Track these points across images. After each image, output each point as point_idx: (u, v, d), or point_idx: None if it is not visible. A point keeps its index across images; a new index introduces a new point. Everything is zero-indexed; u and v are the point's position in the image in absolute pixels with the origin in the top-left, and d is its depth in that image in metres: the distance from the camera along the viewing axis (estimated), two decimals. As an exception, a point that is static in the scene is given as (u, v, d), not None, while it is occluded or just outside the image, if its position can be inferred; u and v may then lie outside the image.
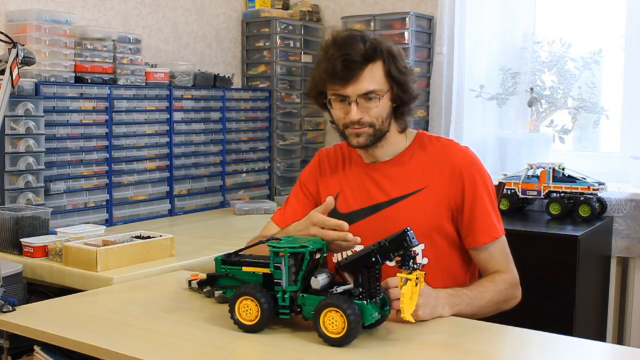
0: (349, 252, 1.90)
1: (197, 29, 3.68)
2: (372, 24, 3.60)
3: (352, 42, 1.81)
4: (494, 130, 3.47)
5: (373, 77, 1.81)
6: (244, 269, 1.64)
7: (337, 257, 1.94)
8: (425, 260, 1.86)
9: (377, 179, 1.94)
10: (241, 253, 1.72)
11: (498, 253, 1.89)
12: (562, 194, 2.99)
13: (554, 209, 2.98)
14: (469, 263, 1.94)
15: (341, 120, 1.88)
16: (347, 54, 1.79)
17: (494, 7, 3.41)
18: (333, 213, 1.92)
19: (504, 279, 1.86)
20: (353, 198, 1.95)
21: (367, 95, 1.81)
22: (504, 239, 1.91)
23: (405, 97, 1.88)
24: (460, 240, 1.91)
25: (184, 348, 1.49)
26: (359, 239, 1.65)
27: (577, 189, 2.96)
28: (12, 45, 1.89)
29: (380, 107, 1.84)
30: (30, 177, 2.67)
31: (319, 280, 1.52)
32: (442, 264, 1.88)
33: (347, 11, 3.88)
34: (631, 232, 3.04)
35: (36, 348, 1.69)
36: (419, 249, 1.84)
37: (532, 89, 3.35)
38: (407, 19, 3.50)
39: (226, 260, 1.68)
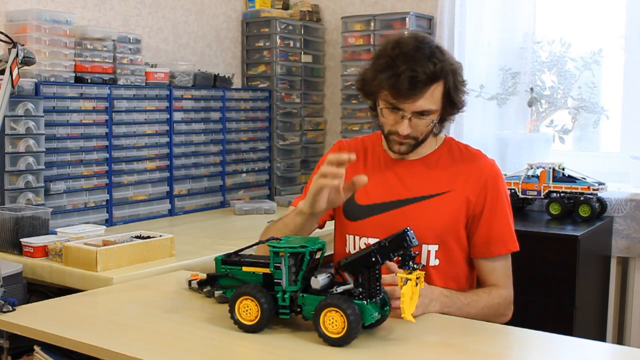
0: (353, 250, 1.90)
1: (197, 29, 3.68)
2: (372, 24, 3.60)
3: (420, 57, 1.78)
4: (494, 130, 3.46)
5: (432, 98, 1.81)
6: (244, 269, 1.64)
7: (349, 249, 1.96)
8: (437, 262, 1.87)
9: (401, 175, 1.94)
10: (241, 253, 1.72)
11: (502, 268, 1.91)
12: (562, 194, 2.99)
13: (554, 209, 2.98)
14: (472, 272, 1.96)
15: (387, 126, 1.88)
16: (415, 72, 1.76)
17: (494, 7, 3.41)
18: (351, 203, 1.93)
19: (500, 294, 1.88)
20: (374, 191, 1.94)
21: (421, 113, 1.82)
22: (510, 257, 1.93)
23: (454, 112, 1.90)
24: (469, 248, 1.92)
25: (184, 348, 1.49)
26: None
27: (577, 189, 2.96)
28: (12, 45, 1.89)
29: (430, 124, 1.85)
30: (30, 177, 2.67)
31: (319, 280, 1.52)
32: (450, 268, 1.89)
33: (347, 11, 3.88)
34: (631, 232, 3.03)
35: (36, 348, 1.69)
36: (432, 249, 1.85)
37: (532, 89, 3.35)
38: (407, 19, 3.50)
39: (226, 260, 1.68)
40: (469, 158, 1.95)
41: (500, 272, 1.90)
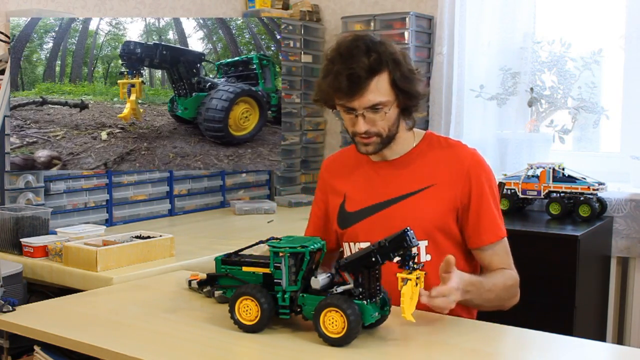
0: None
1: (197, 29, 3.68)
2: (372, 24, 3.60)
3: (356, 53, 1.78)
4: (494, 130, 3.47)
5: (379, 90, 1.80)
6: (244, 269, 1.64)
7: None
8: (428, 257, 1.87)
9: (385, 177, 1.95)
10: (241, 253, 1.72)
11: (502, 251, 1.92)
12: (562, 194, 2.99)
13: (554, 209, 2.98)
14: (471, 262, 1.95)
15: (349, 128, 1.89)
16: (352, 69, 1.77)
17: (494, 7, 3.41)
18: (342, 212, 1.96)
19: (511, 276, 1.90)
20: (361, 196, 1.96)
21: (374, 108, 1.81)
22: (506, 239, 1.93)
23: (411, 101, 1.88)
24: (463, 239, 1.92)
25: (184, 348, 1.50)
26: None
27: (577, 189, 2.96)
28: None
29: (387, 117, 1.84)
30: (30, 177, 2.66)
31: (319, 280, 1.52)
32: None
33: (347, 11, 3.88)
34: (631, 232, 3.03)
35: (36, 348, 1.69)
36: (422, 245, 1.86)
37: (532, 89, 3.35)
38: (407, 19, 3.50)
39: (226, 260, 1.69)
40: (449, 150, 1.94)
41: (501, 255, 1.91)
